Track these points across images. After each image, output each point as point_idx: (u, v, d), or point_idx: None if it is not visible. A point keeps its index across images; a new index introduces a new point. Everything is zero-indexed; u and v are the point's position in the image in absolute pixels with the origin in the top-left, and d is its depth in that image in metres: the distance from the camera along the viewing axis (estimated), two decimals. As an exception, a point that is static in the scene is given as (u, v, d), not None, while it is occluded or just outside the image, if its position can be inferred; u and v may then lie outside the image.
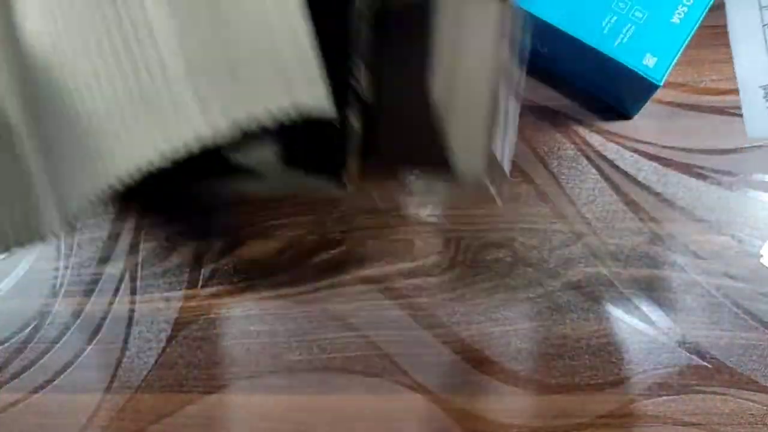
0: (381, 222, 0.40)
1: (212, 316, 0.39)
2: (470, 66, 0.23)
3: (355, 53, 0.23)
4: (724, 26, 0.38)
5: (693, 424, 0.36)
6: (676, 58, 0.34)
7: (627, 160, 0.40)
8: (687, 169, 0.40)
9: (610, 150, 0.40)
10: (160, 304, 0.39)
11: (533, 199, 0.40)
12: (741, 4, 0.22)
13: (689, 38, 0.34)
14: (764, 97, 0.21)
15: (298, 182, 0.27)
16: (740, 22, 0.22)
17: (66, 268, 0.40)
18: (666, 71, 0.34)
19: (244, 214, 0.40)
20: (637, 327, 0.37)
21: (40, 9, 0.21)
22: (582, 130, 0.41)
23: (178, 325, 0.39)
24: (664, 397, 0.36)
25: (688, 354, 0.37)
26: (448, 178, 0.25)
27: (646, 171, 0.40)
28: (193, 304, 0.39)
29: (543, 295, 0.38)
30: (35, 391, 0.38)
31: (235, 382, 0.38)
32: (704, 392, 0.36)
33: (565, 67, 0.41)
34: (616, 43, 0.36)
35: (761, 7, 0.22)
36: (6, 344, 0.39)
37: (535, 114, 0.41)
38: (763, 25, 0.22)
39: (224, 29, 0.20)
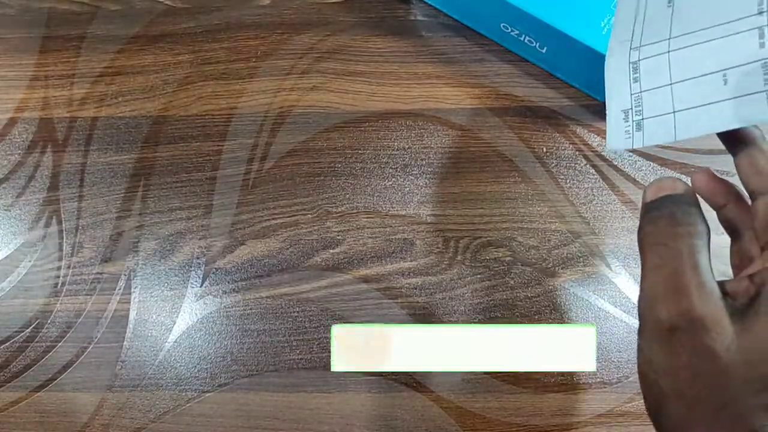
0: (381, 222, 0.40)
1: (213, 315, 0.39)
2: None
3: None
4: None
5: (691, 423, 0.36)
6: (674, 58, 0.34)
7: (625, 160, 0.40)
8: (684, 168, 0.40)
9: (609, 150, 0.40)
10: (161, 304, 0.39)
11: (532, 198, 0.40)
12: (619, 43, 0.27)
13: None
14: (623, 119, 0.26)
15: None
16: (615, 56, 0.27)
17: (68, 267, 0.40)
18: (663, 71, 0.34)
19: (244, 214, 0.41)
20: (636, 326, 0.37)
21: None
22: (580, 130, 0.41)
23: (179, 324, 0.39)
24: (663, 396, 0.36)
25: (686, 353, 0.37)
26: None
27: (644, 171, 0.40)
28: (193, 303, 0.39)
29: (542, 294, 0.38)
30: (37, 389, 0.39)
31: (236, 381, 0.38)
32: (702, 391, 0.36)
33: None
34: (613, 44, 0.36)
35: (631, 48, 0.27)
36: (8, 343, 0.39)
37: (533, 114, 0.41)
38: (630, 62, 0.26)
39: None
